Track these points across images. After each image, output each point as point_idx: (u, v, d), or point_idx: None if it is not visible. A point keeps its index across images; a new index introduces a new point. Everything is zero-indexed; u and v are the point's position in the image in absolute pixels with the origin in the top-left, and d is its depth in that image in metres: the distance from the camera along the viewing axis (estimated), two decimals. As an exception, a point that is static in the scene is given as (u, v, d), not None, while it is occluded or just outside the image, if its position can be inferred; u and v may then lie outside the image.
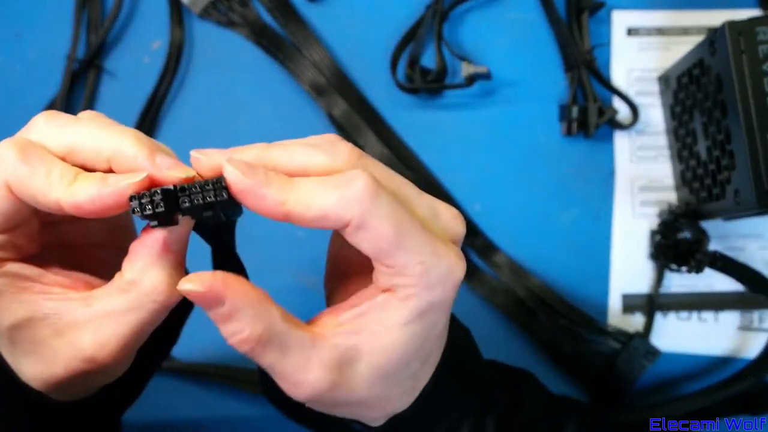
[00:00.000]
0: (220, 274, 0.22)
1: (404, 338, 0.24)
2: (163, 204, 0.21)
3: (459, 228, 0.25)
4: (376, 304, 0.24)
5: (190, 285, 0.22)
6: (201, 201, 0.22)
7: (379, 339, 0.24)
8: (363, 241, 0.22)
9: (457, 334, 0.29)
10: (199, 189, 0.22)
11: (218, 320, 0.23)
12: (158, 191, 0.22)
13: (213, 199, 0.22)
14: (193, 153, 0.23)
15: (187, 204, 0.22)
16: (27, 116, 0.50)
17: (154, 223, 0.22)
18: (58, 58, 0.52)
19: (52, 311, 0.25)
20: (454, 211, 0.25)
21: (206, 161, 0.23)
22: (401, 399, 0.27)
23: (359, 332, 0.24)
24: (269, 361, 0.23)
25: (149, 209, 0.22)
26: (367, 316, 0.24)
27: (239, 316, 0.22)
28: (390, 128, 0.50)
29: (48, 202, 0.22)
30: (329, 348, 0.24)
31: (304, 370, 0.24)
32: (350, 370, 0.24)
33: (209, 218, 0.22)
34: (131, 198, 0.22)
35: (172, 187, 0.22)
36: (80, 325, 0.25)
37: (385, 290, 0.24)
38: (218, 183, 0.22)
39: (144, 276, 0.24)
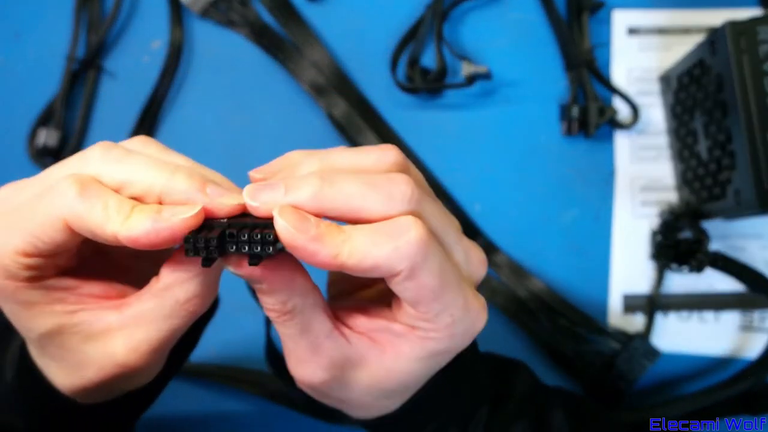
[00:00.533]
0: (261, 266, 0.23)
1: (410, 369, 0.25)
2: (218, 251, 0.22)
3: (483, 273, 0.26)
4: (393, 330, 0.25)
5: (234, 268, 0.23)
6: (246, 250, 0.22)
7: (386, 359, 0.25)
8: (406, 291, 0.23)
9: None
10: (247, 238, 0.21)
11: (257, 291, 0.24)
12: (214, 238, 0.21)
13: (260, 250, 0.21)
14: (246, 198, 0.22)
15: (233, 250, 0.22)
16: (27, 116, 0.51)
17: (206, 263, 0.22)
18: (58, 58, 0.51)
19: (83, 319, 0.25)
20: (482, 255, 0.26)
21: (260, 209, 0.22)
22: (393, 406, 0.28)
23: (372, 346, 0.25)
24: (287, 333, 0.25)
25: (203, 253, 0.22)
26: (381, 335, 0.25)
27: (274, 295, 0.24)
28: (390, 128, 0.50)
29: (105, 235, 0.22)
30: (342, 345, 0.25)
31: (312, 353, 0.25)
32: (351, 372, 0.26)
33: (252, 264, 0.22)
34: (186, 239, 0.22)
35: (225, 230, 0.22)
36: (112, 331, 0.25)
37: (405, 324, 0.24)
38: (267, 236, 0.21)
39: (181, 285, 0.24)
